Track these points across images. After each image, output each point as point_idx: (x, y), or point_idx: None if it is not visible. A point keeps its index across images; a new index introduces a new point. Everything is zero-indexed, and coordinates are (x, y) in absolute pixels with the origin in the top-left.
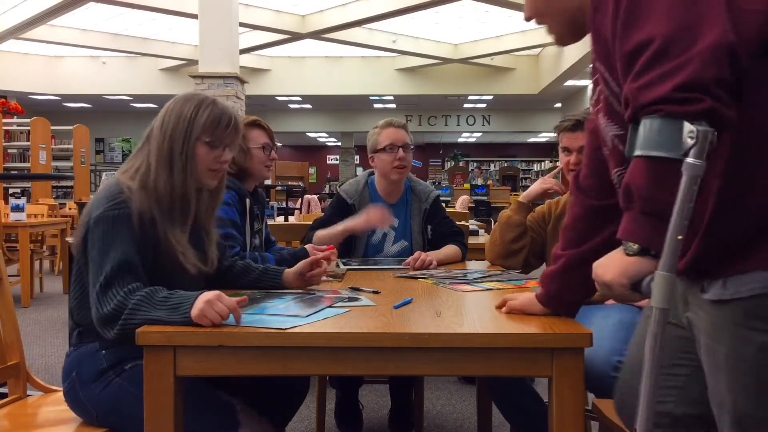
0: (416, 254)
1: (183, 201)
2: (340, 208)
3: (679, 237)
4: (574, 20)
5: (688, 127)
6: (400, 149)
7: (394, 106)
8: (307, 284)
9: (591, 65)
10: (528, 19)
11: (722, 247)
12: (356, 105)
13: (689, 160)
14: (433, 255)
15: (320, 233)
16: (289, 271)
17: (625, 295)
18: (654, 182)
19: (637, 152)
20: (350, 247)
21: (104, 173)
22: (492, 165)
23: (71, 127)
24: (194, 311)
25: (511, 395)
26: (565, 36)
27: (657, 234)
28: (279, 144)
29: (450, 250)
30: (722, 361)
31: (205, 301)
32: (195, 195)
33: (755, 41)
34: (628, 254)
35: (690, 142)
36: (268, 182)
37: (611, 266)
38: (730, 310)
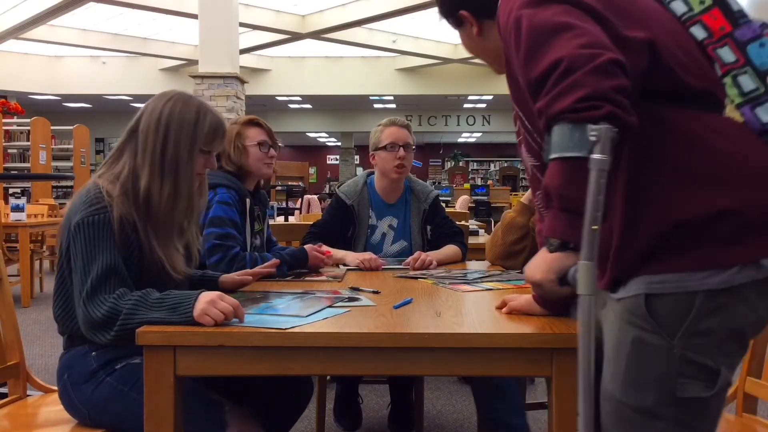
0: (416, 254)
1: (187, 210)
2: (339, 209)
3: (594, 227)
4: (498, 57)
5: (591, 127)
6: (401, 149)
7: (394, 106)
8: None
9: None
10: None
11: (630, 257)
12: (356, 105)
13: (594, 155)
14: (433, 255)
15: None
16: (226, 278)
17: (555, 290)
18: (567, 180)
19: (551, 156)
20: (350, 248)
21: None
22: (492, 165)
23: (71, 127)
24: (196, 311)
25: (492, 404)
26: (495, 68)
27: (575, 228)
28: (280, 143)
29: (450, 250)
30: (610, 352)
31: (207, 300)
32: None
33: (646, 63)
34: (550, 251)
35: (593, 140)
36: None
37: (538, 266)
38: (620, 307)
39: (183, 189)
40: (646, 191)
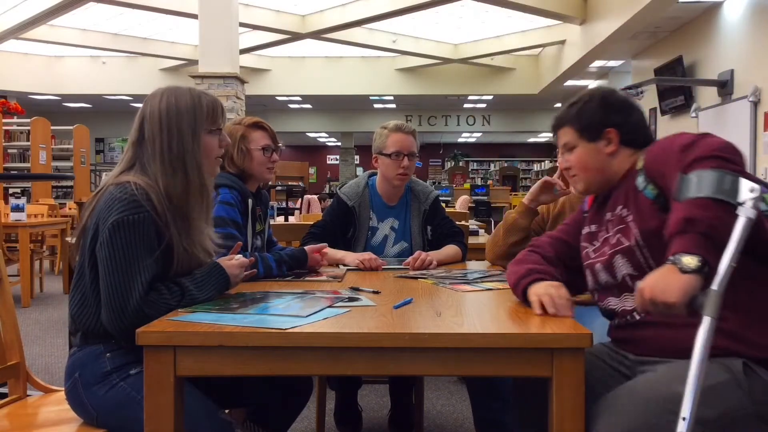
0: (416, 253)
1: (203, 193)
2: (340, 210)
3: (734, 264)
4: (607, 181)
5: (748, 184)
6: (406, 158)
7: (394, 106)
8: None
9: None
10: (564, 169)
11: (743, 348)
12: (356, 105)
13: (747, 206)
14: (434, 255)
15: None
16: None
17: (680, 312)
18: (717, 216)
19: (703, 194)
20: (350, 249)
21: (104, 173)
22: (492, 165)
23: (71, 127)
24: (232, 281)
25: (487, 403)
26: (591, 190)
27: (714, 253)
28: (282, 146)
29: (450, 250)
30: (694, 370)
31: (233, 275)
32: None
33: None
34: (684, 272)
35: (752, 195)
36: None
37: (671, 286)
38: (721, 360)
39: (194, 177)
40: (762, 314)
